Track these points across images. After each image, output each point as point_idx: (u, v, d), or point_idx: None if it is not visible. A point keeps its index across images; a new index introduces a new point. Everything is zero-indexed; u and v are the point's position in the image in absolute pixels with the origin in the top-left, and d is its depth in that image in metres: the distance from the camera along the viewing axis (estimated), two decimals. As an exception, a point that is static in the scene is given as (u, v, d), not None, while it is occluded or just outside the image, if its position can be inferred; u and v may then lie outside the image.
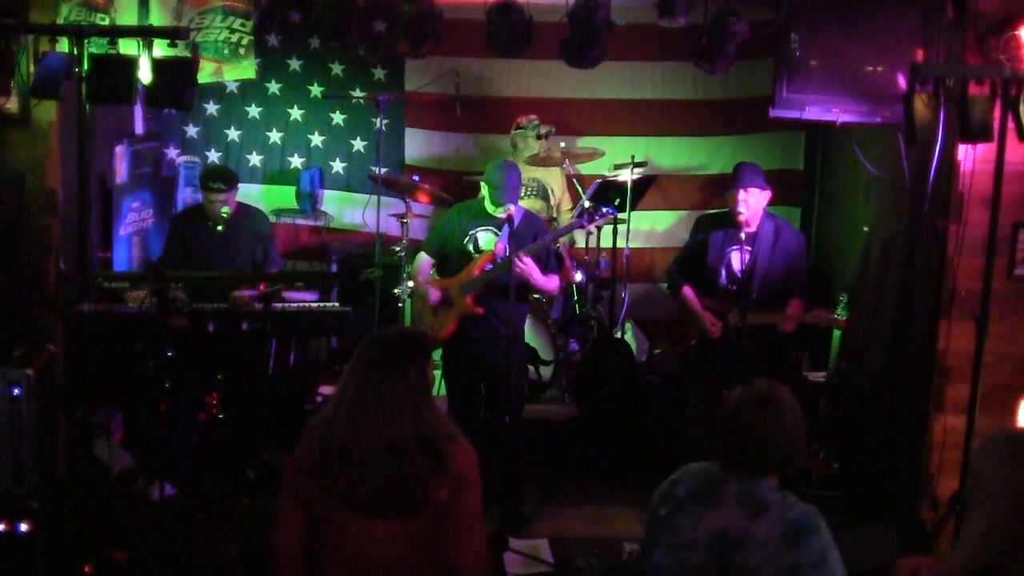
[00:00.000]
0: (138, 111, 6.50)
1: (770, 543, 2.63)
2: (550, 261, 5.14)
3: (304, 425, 2.81)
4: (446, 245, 5.20)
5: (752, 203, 5.10)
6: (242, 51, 5.62)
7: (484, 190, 5.08)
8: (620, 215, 6.15)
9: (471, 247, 5.13)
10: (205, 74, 5.43)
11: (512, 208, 4.90)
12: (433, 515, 2.69)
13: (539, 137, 6.57)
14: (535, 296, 6.07)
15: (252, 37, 5.63)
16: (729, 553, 2.65)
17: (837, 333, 5.12)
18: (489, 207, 5.06)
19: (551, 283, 5.14)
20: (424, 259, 5.29)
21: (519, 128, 6.63)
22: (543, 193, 6.70)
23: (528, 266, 4.92)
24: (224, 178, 5.58)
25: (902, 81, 4.54)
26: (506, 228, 4.92)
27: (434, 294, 5.14)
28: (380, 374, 2.72)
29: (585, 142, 6.97)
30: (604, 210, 5.23)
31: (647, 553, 2.80)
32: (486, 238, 5.12)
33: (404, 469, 2.65)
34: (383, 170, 6.21)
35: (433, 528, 2.70)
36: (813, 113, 4.88)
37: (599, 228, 6.39)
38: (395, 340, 2.82)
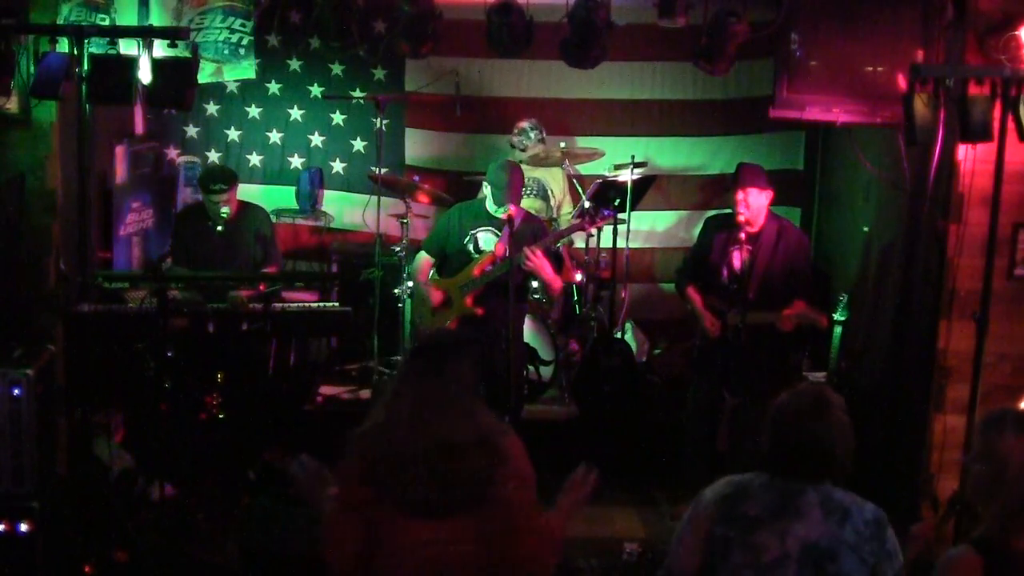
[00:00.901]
0: (138, 111, 6.49)
1: (859, 546, 2.64)
2: (550, 261, 5.14)
3: (352, 436, 2.81)
4: (446, 245, 5.20)
5: (752, 203, 5.10)
6: (242, 51, 5.62)
7: (486, 190, 5.08)
8: (620, 215, 6.16)
9: (471, 247, 5.13)
10: (205, 74, 5.43)
11: (513, 209, 4.90)
12: (500, 509, 2.69)
13: (513, 147, 6.56)
14: (535, 296, 6.07)
15: (252, 37, 5.63)
16: (823, 563, 2.63)
17: (837, 332, 5.12)
18: (490, 207, 5.06)
19: (559, 280, 5.15)
20: (424, 259, 5.29)
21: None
22: (543, 193, 6.70)
23: (541, 259, 4.92)
24: (224, 178, 5.59)
25: (902, 81, 4.53)
26: (506, 229, 4.92)
27: (435, 295, 5.13)
28: (435, 376, 2.74)
29: (585, 142, 6.96)
30: (604, 212, 5.23)
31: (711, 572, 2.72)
32: (486, 238, 5.12)
33: (469, 464, 2.67)
34: (383, 170, 6.21)
35: (500, 523, 2.70)
36: (813, 113, 4.88)
37: (599, 229, 6.40)
38: (445, 343, 2.87)
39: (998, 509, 2.47)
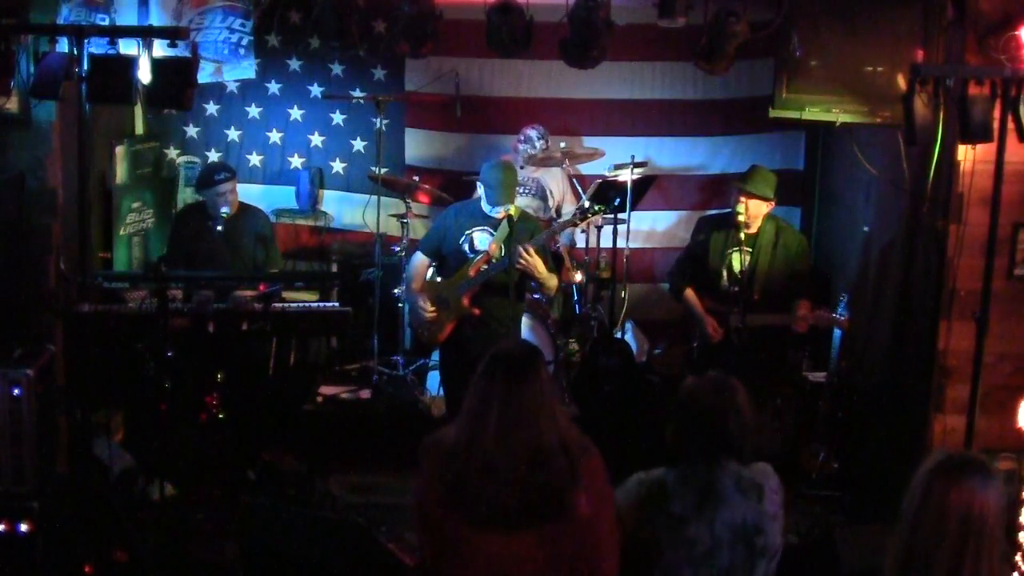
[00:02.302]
0: (138, 111, 6.50)
1: (776, 515, 2.77)
2: (548, 261, 5.14)
3: (425, 453, 2.80)
4: (442, 245, 5.21)
5: (753, 208, 5.12)
6: (242, 51, 5.62)
7: (480, 190, 5.09)
8: (620, 215, 6.16)
9: (467, 247, 5.13)
10: (205, 74, 5.43)
11: (511, 208, 4.91)
12: (572, 525, 2.68)
13: (517, 152, 6.56)
14: (535, 296, 6.08)
15: (252, 37, 5.63)
16: (752, 539, 2.73)
17: (837, 333, 5.12)
18: (485, 207, 5.06)
19: (554, 279, 5.15)
20: (420, 261, 5.29)
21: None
22: (541, 193, 6.70)
23: (534, 258, 4.93)
24: (225, 167, 5.71)
25: (902, 81, 4.54)
26: (503, 228, 4.93)
27: (428, 306, 5.13)
28: (520, 386, 2.72)
29: (585, 142, 6.97)
30: (597, 208, 5.26)
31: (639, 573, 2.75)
32: (482, 238, 5.12)
33: (552, 476, 2.66)
34: (383, 170, 6.21)
35: (571, 540, 2.69)
36: (813, 113, 4.88)
37: (599, 228, 6.39)
38: (522, 352, 2.85)
39: (899, 547, 2.37)
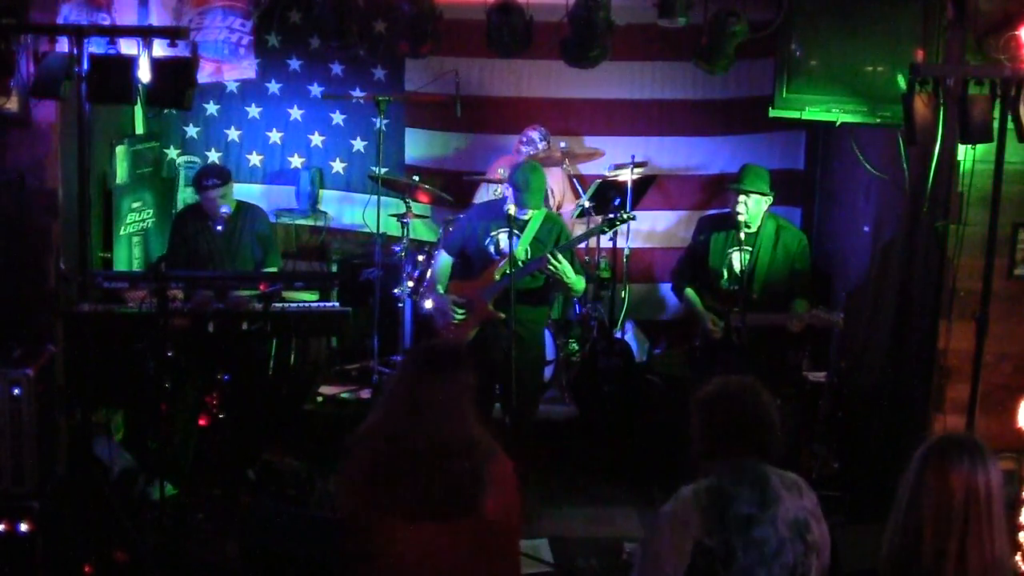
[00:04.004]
0: (138, 111, 6.50)
1: (814, 511, 2.79)
2: (575, 263, 5.14)
3: (350, 441, 2.85)
4: (466, 245, 5.20)
5: (752, 205, 5.12)
6: (242, 51, 5.63)
7: (507, 191, 5.07)
8: (623, 215, 6.16)
9: (491, 248, 5.12)
10: (205, 74, 5.44)
11: (531, 212, 4.91)
12: (479, 524, 2.72)
13: (520, 154, 6.56)
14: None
15: (252, 37, 5.63)
16: (804, 535, 2.74)
17: (838, 333, 5.12)
18: (512, 209, 5.05)
19: (582, 281, 5.15)
20: (445, 260, 5.29)
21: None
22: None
23: (562, 264, 4.94)
24: (216, 173, 5.65)
25: (902, 81, 4.54)
26: (527, 230, 4.93)
27: (460, 315, 5.12)
28: (432, 378, 2.78)
29: (585, 142, 6.97)
30: (626, 216, 5.27)
31: None
32: (507, 240, 5.10)
33: (458, 467, 2.70)
34: (383, 170, 6.21)
35: (479, 538, 2.73)
36: (813, 113, 4.89)
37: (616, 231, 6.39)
38: (441, 349, 2.93)
39: (891, 530, 2.41)
